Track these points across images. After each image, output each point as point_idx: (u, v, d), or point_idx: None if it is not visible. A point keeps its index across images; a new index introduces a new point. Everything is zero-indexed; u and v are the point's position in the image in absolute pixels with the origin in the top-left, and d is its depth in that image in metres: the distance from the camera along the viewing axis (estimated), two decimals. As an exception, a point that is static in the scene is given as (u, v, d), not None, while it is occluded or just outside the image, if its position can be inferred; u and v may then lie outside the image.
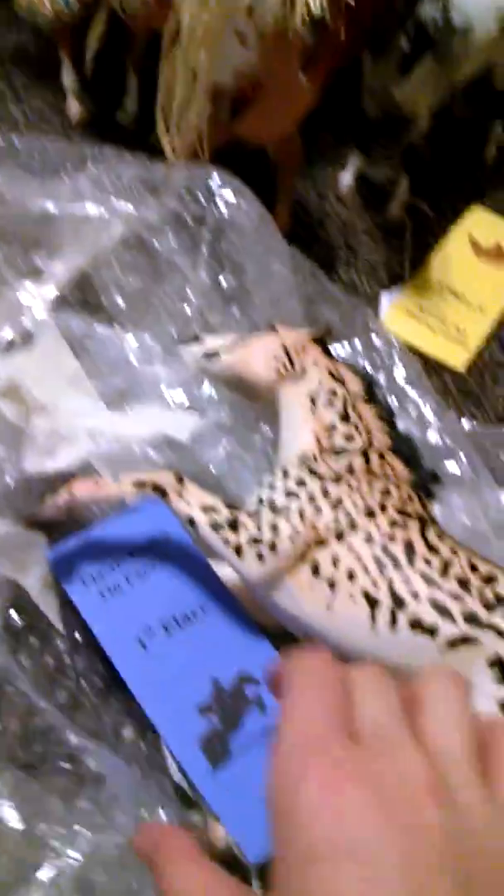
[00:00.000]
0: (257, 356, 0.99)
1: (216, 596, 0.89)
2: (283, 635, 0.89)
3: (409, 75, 1.17)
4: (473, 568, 0.83)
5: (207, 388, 1.04)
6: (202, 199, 1.13)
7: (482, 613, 0.79)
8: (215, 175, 1.12)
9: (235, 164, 1.30)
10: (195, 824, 0.75)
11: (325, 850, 0.26)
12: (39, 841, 0.63)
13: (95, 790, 0.68)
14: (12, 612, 0.86)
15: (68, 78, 1.48)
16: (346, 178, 1.54)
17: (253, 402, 1.02)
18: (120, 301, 1.14)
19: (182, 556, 0.91)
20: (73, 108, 1.50)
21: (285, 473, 0.89)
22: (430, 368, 1.30)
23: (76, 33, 1.40)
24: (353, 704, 0.30)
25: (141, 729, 0.81)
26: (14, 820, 0.63)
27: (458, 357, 1.31)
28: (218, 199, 1.12)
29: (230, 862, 0.71)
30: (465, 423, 1.12)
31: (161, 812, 0.72)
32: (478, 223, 1.54)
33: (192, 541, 0.91)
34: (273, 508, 0.86)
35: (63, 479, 0.88)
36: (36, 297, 1.09)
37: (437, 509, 0.98)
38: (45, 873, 0.62)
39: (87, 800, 0.68)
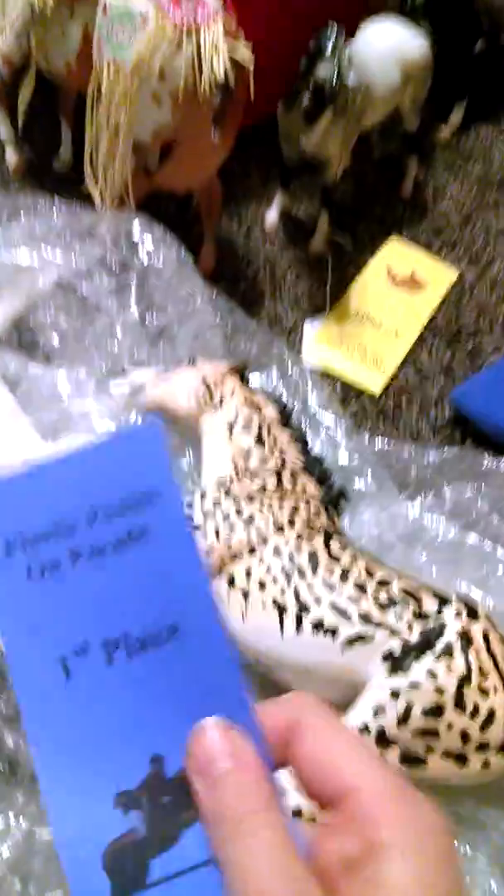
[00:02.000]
0: (179, 389, 1.09)
1: (198, 619, 0.43)
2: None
3: (314, 126, 1.28)
4: (370, 573, 0.92)
5: (135, 418, 1.12)
6: (125, 246, 1.22)
7: (376, 613, 0.88)
8: (136, 222, 1.22)
9: (162, 207, 1.40)
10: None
11: None
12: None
13: (32, 786, 0.76)
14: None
15: (4, 130, 1.57)
16: (272, 215, 1.65)
17: (177, 430, 1.11)
18: (55, 340, 1.22)
19: (165, 534, 0.55)
20: (11, 158, 1.59)
21: (203, 495, 0.98)
22: (350, 393, 1.40)
23: (8, 90, 1.49)
24: None
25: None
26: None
27: (375, 381, 1.42)
28: (140, 245, 1.22)
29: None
30: (377, 442, 1.22)
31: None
32: (394, 254, 1.66)
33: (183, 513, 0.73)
34: (190, 526, 0.95)
35: None
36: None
37: (347, 522, 1.07)
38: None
39: (24, 794, 0.75)
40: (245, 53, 1.14)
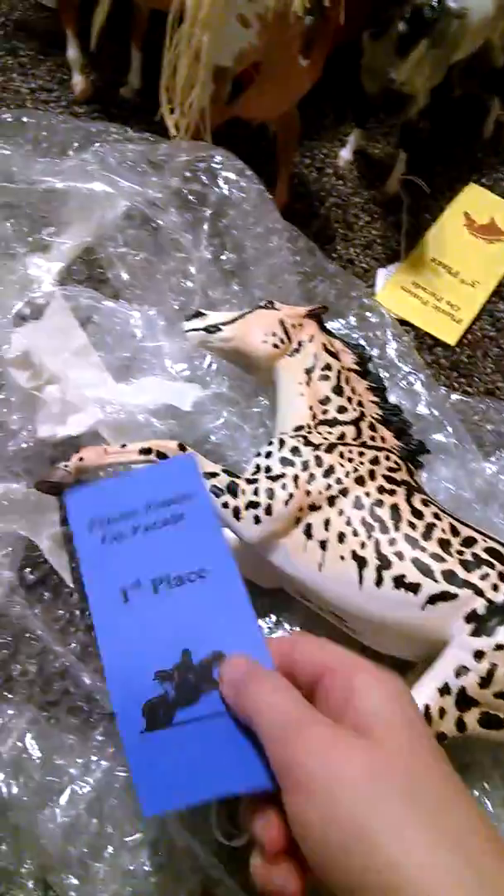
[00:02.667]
0: (255, 331, 1.04)
1: (219, 568, 0.77)
2: (277, 593, 0.96)
3: (406, 57, 1.20)
4: (455, 532, 0.89)
5: (209, 361, 1.09)
6: (204, 178, 1.17)
7: (460, 572, 0.86)
8: (217, 155, 1.16)
9: (236, 139, 1.34)
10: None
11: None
12: (59, 769, 0.70)
13: (108, 725, 0.75)
14: (27, 569, 0.92)
15: (72, 53, 1.50)
16: (345, 154, 1.58)
17: (251, 374, 1.07)
18: (124, 275, 1.18)
19: (197, 517, 0.78)
20: (78, 82, 1.53)
21: (281, 443, 0.95)
22: (423, 343, 1.35)
23: (81, 9, 1.42)
24: None
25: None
26: (35, 751, 0.70)
27: (450, 332, 1.37)
28: (220, 179, 1.16)
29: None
30: (454, 396, 1.17)
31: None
32: (473, 199, 1.58)
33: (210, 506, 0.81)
34: (269, 475, 0.92)
35: (73, 445, 0.94)
36: (45, 271, 1.14)
37: (424, 477, 1.04)
38: (64, 797, 0.69)
39: (101, 734, 0.75)
40: (341, -28, 1.06)
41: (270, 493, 0.90)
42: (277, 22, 1.09)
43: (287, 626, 0.96)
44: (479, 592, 0.85)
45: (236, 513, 0.90)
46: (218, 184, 1.16)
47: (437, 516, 0.91)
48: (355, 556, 0.88)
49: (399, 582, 0.86)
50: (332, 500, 0.91)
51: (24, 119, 1.20)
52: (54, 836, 0.68)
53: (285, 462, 0.93)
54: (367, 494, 0.92)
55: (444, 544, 0.88)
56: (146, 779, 0.65)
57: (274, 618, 0.95)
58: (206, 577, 0.74)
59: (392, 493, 0.92)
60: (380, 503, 0.91)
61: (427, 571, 0.86)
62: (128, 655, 0.70)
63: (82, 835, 0.70)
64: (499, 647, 0.82)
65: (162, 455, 0.93)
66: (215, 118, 1.23)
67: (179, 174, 1.18)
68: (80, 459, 0.94)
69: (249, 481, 0.92)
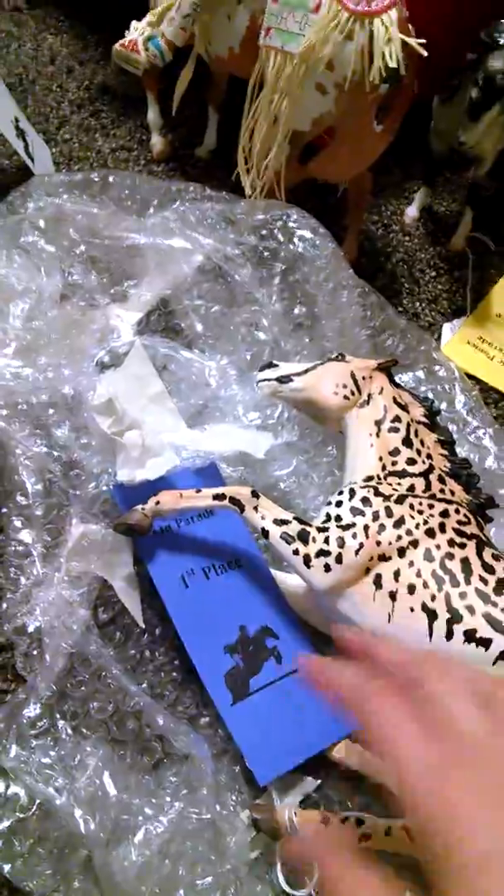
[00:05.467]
0: (327, 383, 1.07)
1: (251, 558, 1.02)
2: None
3: (478, 121, 1.24)
4: (526, 587, 0.89)
5: (280, 410, 1.12)
6: (279, 236, 1.22)
7: (533, 629, 0.85)
8: (293, 214, 1.21)
9: (305, 194, 1.39)
10: (262, 806, 0.83)
11: (490, 862, 0.28)
12: (133, 807, 0.72)
13: (181, 767, 0.77)
14: (100, 608, 0.95)
15: (153, 115, 1.59)
16: (412, 211, 1.62)
17: (321, 424, 1.10)
18: (199, 326, 1.23)
19: (230, 520, 1.02)
20: (157, 142, 1.60)
21: (352, 492, 0.97)
22: (489, 397, 1.36)
23: (163, 75, 1.50)
24: (430, 709, 0.33)
25: (214, 718, 0.89)
26: (111, 789, 0.72)
27: (515, 387, 1.37)
28: (294, 236, 1.21)
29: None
30: (522, 450, 1.17)
31: (232, 793, 0.80)
32: (538, 257, 1.60)
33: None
34: (340, 524, 0.93)
35: (151, 489, 0.97)
36: (124, 321, 1.20)
37: (493, 532, 1.04)
38: (138, 836, 0.71)
39: (174, 775, 0.76)
40: (417, 43, 1.11)
41: (341, 542, 0.92)
42: (354, 90, 1.14)
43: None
44: (552, 650, 0.84)
45: (307, 560, 0.92)
46: (292, 241, 1.21)
47: (507, 570, 0.91)
48: (425, 608, 0.89)
49: (470, 636, 0.86)
50: (402, 552, 0.92)
51: (110, 179, 1.27)
52: (128, 875, 0.69)
53: (356, 512, 0.95)
54: (438, 547, 0.92)
55: (516, 600, 0.88)
56: (251, 750, 0.86)
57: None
58: (242, 566, 1.00)
59: (462, 546, 0.93)
60: (450, 556, 0.92)
61: (499, 626, 0.86)
62: (201, 635, 0.93)
63: (154, 875, 0.71)
64: None
65: (235, 501, 0.96)
66: (290, 179, 1.28)
67: (255, 231, 1.23)
68: (157, 503, 0.97)
69: (320, 529, 0.94)
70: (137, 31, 1.31)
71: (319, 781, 0.87)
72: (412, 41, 1.11)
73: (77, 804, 0.72)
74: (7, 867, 0.72)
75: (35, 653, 0.88)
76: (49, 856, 0.74)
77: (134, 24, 1.33)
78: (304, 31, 1.13)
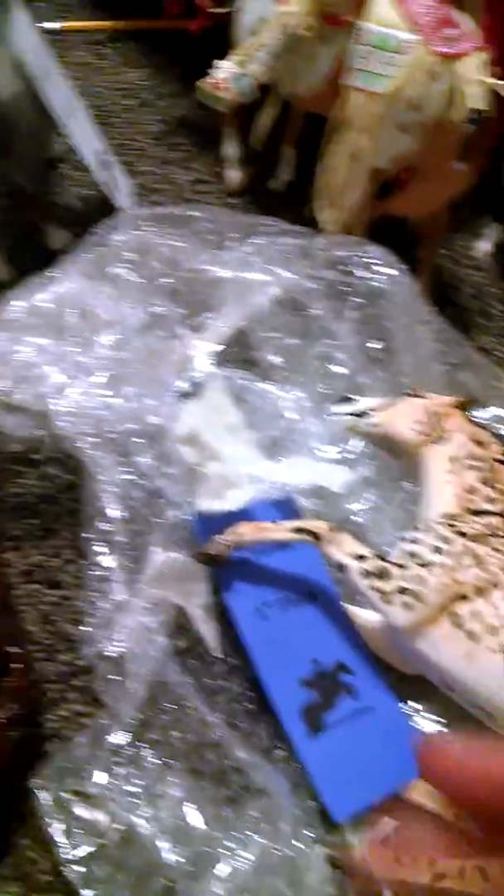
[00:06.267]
0: (403, 419, 1.08)
1: (326, 592, 1.03)
2: (420, 680, 0.97)
3: None
4: None
5: (356, 444, 1.12)
6: (356, 270, 1.23)
7: None
8: (370, 249, 1.22)
9: (380, 229, 1.40)
10: (336, 843, 0.83)
11: None
12: (216, 841, 0.72)
13: (261, 801, 0.77)
14: (178, 636, 0.97)
15: (231, 149, 1.62)
16: (484, 246, 1.62)
17: (398, 460, 1.10)
18: (274, 358, 1.25)
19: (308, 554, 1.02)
20: (234, 176, 1.64)
21: (431, 530, 0.97)
22: None
23: (243, 110, 1.54)
24: None
25: (288, 751, 0.89)
26: (197, 820, 0.73)
27: None
28: (371, 271, 1.22)
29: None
30: None
31: (310, 830, 0.81)
32: None
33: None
34: (420, 561, 0.94)
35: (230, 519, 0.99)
36: (202, 352, 1.22)
37: None
38: (221, 869, 0.71)
39: (254, 809, 0.77)
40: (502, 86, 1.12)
41: (420, 580, 0.92)
42: (437, 130, 1.15)
43: (428, 716, 0.96)
44: None
45: (385, 597, 0.92)
46: (369, 276, 1.22)
47: None
48: (505, 650, 0.88)
49: (553, 681, 0.86)
50: (481, 591, 0.92)
51: (191, 213, 1.30)
52: (210, 907, 0.70)
53: (435, 549, 0.95)
54: (519, 588, 0.92)
55: None
56: (327, 785, 0.86)
57: (414, 706, 0.96)
58: (319, 599, 1.01)
59: (545, 588, 0.92)
60: (532, 598, 0.91)
61: None
62: (276, 666, 0.94)
63: (236, 909, 0.71)
64: None
65: (314, 534, 0.97)
66: (367, 215, 1.30)
67: (332, 265, 1.25)
68: (237, 534, 0.99)
69: (399, 566, 0.94)
70: (223, 70, 1.34)
71: (396, 822, 0.86)
72: (497, 83, 1.12)
73: (161, 834, 0.73)
74: (89, 893, 0.73)
75: (116, 678, 0.89)
76: (128, 883, 0.75)
77: (218, 62, 1.37)
78: (389, 71, 1.15)
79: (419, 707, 0.97)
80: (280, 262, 1.27)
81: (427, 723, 0.97)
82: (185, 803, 0.75)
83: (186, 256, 1.25)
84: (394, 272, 1.21)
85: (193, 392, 1.15)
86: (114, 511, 1.00)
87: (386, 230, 1.43)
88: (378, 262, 1.23)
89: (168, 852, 0.73)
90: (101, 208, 1.43)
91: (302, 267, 1.26)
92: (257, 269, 1.25)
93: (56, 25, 1.96)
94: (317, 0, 1.23)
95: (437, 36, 1.10)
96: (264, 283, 1.25)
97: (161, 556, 0.99)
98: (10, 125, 1.30)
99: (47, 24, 1.90)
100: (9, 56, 1.27)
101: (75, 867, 0.77)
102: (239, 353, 1.25)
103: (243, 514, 1.01)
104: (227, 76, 1.34)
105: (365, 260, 1.24)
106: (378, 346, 1.20)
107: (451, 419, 1.07)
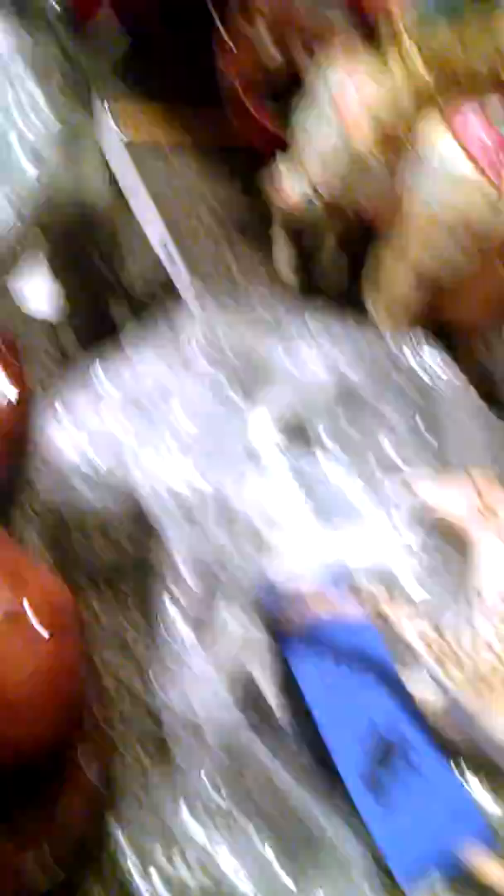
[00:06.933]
0: (453, 497, 1.15)
1: (385, 660, 1.04)
2: (482, 761, 1.00)
3: None
4: None
5: (407, 517, 1.19)
6: (410, 362, 1.32)
7: None
8: (424, 342, 1.32)
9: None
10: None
11: None
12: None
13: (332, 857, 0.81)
14: (247, 703, 1.00)
15: (285, 253, 1.72)
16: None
17: (448, 537, 1.16)
18: (326, 438, 1.33)
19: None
20: (290, 279, 1.72)
21: (490, 609, 1.02)
22: None
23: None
24: None
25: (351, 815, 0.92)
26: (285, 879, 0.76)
27: None
28: (425, 368, 1.31)
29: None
30: None
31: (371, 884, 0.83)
32: None
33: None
34: (478, 637, 0.99)
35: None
36: (262, 426, 1.30)
37: None
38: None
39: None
40: None
41: (493, 670, 0.96)
42: (488, 240, 1.26)
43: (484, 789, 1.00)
44: None
45: (450, 676, 0.96)
46: (423, 372, 1.31)
47: None
48: None
49: None
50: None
51: (253, 302, 1.40)
52: None
53: (493, 627, 1.00)
54: None
55: None
56: (392, 851, 0.88)
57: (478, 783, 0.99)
58: (377, 667, 1.02)
59: None
60: None
61: None
62: (338, 731, 0.96)
63: None
64: None
65: (378, 611, 1.02)
66: (417, 315, 1.41)
67: (385, 354, 1.34)
68: (309, 608, 1.04)
69: (463, 646, 0.99)
70: (287, 177, 1.47)
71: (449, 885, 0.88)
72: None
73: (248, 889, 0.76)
74: None
75: (193, 744, 0.93)
76: None
77: (281, 166, 1.49)
78: (448, 195, 1.27)
79: (479, 785, 0.99)
80: (337, 353, 1.36)
81: (486, 801, 1.00)
82: (273, 864, 0.78)
83: (249, 341, 1.35)
84: (445, 370, 1.31)
85: (256, 465, 1.22)
86: (188, 581, 1.05)
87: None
88: (430, 356, 1.33)
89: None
90: (164, 291, 1.53)
91: (354, 352, 1.35)
92: (310, 349, 1.35)
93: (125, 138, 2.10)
94: (379, 125, 1.37)
95: (497, 161, 1.21)
96: (317, 363, 1.34)
97: (231, 624, 1.03)
98: (94, 214, 1.42)
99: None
100: (97, 152, 1.40)
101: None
102: (296, 430, 1.33)
103: (314, 586, 1.06)
104: (293, 186, 1.46)
105: (417, 353, 1.34)
106: (428, 432, 1.29)
107: (500, 496, 1.14)
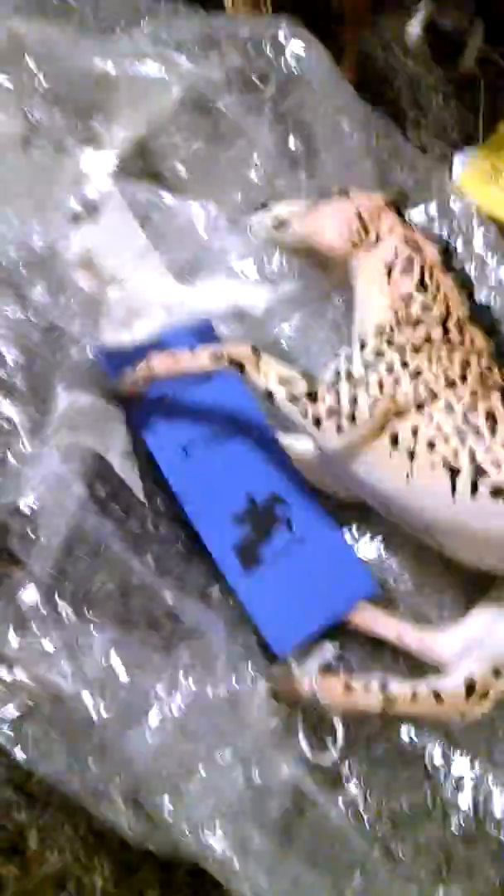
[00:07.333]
0: (329, 224, 0.95)
1: (254, 422, 0.95)
2: (358, 505, 0.91)
3: None
4: None
5: (277, 259, 1.01)
6: (269, 54, 1.06)
7: None
8: (283, 26, 1.04)
9: (293, 11, 1.21)
10: (278, 675, 0.80)
11: None
12: (146, 689, 0.68)
13: (193, 643, 0.73)
14: (97, 483, 0.88)
15: None
16: (415, 27, 1.42)
17: (324, 272, 0.99)
18: (181, 168, 1.09)
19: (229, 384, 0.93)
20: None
21: (363, 345, 0.88)
22: (504, 236, 1.24)
23: None
24: None
25: (225, 591, 0.85)
26: (121, 670, 0.68)
27: (532, 223, 1.25)
28: (286, 53, 1.05)
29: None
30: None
31: (249, 664, 0.77)
32: None
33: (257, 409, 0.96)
34: (351, 380, 0.85)
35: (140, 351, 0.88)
36: (97, 165, 1.06)
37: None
38: (153, 718, 0.67)
39: (186, 653, 0.72)
40: None
41: (353, 400, 0.84)
42: None
43: (368, 536, 0.92)
44: None
45: (317, 421, 0.84)
46: (283, 60, 1.05)
47: (536, 420, 0.84)
48: (447, 464, 0.82)
49: (497, 492, 0.80)
50: (420, 406, 0.84)
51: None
52: (145, 757, 0.67)
53: (368, 366, 0.86)
54: (459, 399, 0.85)
55: (546, 451, 0.82)
56: (266, 619, 0.84)
57: (355, 530, 0.91)
58: (244, 433, 0.93)
59: (486, 397, 0.85)
60: (473, 408, 0.84)
61: (529, 480, 0.80)
62: (206, 505, 0.90)
63: (172, 753, 0.68)
64: None
65: (235, 361, 0.87)
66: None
67: (240, 51, 1.07)
68: (149, 367, 0.88)
69: (330, 387, 0.86)
70: None
71: (338, 649, 0.83)
72: None
73: (85, 688, 0.68)
74: (22, 755, 0.69)
75: (31, 534, 0.82)
76: (62, 741, 0.71)
77: None
78: None
79: (358, 534, 0.92)
80: (179, 50, 1.08)
81: (367, 548, 0.93)
82: (111, 655, 0.70)
83: (67, 50, 1.06)
84: (311, 54, 1.04)
85: (89, 213, 1.00)
86: (9, 355, 0.89)
87: (301, 9, 1.23)
88: (293, 42, 1.05)
89: (96, 706, 0.68)
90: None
91: (204, 55, 1.08)
92: (154, 61, 1.07)
93: None
94: None
95: None
96: (162, 78, 1.07)
97: (68, 400, 0.88)
98: None
99: None
100: None
101: (5, 730, 0.72)
102: (140, 165, 1.09)
103: (156, 345, 0.90)
104: None
105: (278, 41, 1.06)
106: (298, 143, 1.06)
107: (383, 221, 0.95)
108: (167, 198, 1.04)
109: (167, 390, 0.92)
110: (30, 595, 0.74)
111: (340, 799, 0.78)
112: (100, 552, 0.80)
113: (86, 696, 0.68)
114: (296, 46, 1.05)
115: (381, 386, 0.84)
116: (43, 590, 0.75)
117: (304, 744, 0.78)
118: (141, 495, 0.89)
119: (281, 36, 1.05)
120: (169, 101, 1.09)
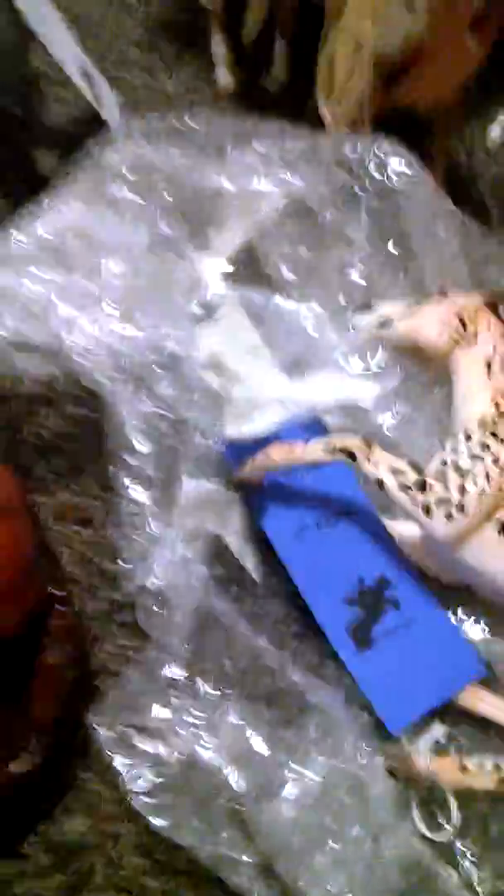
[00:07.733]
0: (430, 322, 1.02)
1: (361, 508, 1.01)
2: (460, 589, 0.96)
3: None
4: None
5: (381, 355, 1.08)
6: (369, 168, 1.16)
7: None
8: (382, 144, 1.15)
9: (387, 125, 1.31)
10: (394, 753, 0.84)
11: None
12: (280, 764, 0.73)
13: (317, 720, 0.78)
14: (217, 564, 0.95)
15: (219, 49, 1.51)
16: (496, 131, 1.52)
17: (425, 367, 1.06)
18: (287, 272, 1.19)
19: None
20: (224, 78, 1.53)
21: (468, 437, 0.94)
22: None
23: (231, 5, 1.43)
24: None
25: (338, 669, 0.89)
26: (258, 745, 0.73)
27: None
28: (385, 168, 1.14)
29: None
30: None
31: (365, 742, 0.81)
32: None
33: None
34: (459, 471, 0.91)
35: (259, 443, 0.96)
36: (212, 271, 1.16)
37: None
38: (290, 791, 0.72)
39: (313, 728, 0.77)
40: None
41: (462, 490, 0.89)
42: (446, 4, 1.06)
43: (473, 619, 0.96)
44: None
45: (426, 509, 0.90)
46: (383, 173, 1.15)
47: None
48: (554, 552, 0.86)
49: None
50: (525, 496, 0.90)
51: (187, 122, 1.21)
52: (279, 827, 0.71)
53: (474, 457, 0.92)
54: None
55: None
56: (380, 698, 0.88)
57: (461, 612, 0.95)
58: (352, 516, 1.00)
59: None
60: None
61: None
62: (318, 586, 0.95)
63: (304, 826, 0.72)
64: None
65: (347, 452, 0.94)
66: (375, 107, 1.21)
67: (343, 166, 1.17)
68: (268, 457, 0.96)
69: (438, 477, 0.91)
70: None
71: (446, 728, 0.86)
72: None
73: (225, 760, 0.74)
74: (159, 822, 0.74)
75: (158, 610, 0.89)
76: (195, 809, 0.76)
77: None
78: None
79: (464, 616, 0.96)
80: (286, 167, 1.19)
81: (472, 630, 0.97)
82: (246, 729, 0.75)
83: (187, 170, 1.18)
84: (408, 170, 1.14)
85: (207, 314, 1.10)
86: (141, 445, 0.98)
87: (395, 125, 1.35)
88: (391, 158, 1.15)
89: (233, 778, 0.73)
90: (90, 125, 1.34)
91: (310, 171, 1.19)
92: (262, 177, 1.18)
93: None
94: None
95: None
96: (271, 192, 1.18)
97: (192, 486, 0.96)
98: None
99: None
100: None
101: (143, 798, 0.78)
102: (251, 270, 1.19)
103: (273, 438, 0.98)
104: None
105: (377, 157, 1.16)
106: (397, 249, 1.14)
107: (481, 319, 1.02)
108: (277, 300, 1.13)
109: (282, 479, 0.99)
110: (170, 671, 0.80)
111: (456, 875, 0.80)
112: (227, 631, 0.86)
113: (225, 769, 0.73)
114: (394, 161, 1.15)
115: (487, 477, 0.90)
116: (182, 665, 0.81)
117: (419, 820, 0.81)
118: (255, 574, 0.96)
119: (380, 152, 1.15)
120: (275, 212, 1.19)
